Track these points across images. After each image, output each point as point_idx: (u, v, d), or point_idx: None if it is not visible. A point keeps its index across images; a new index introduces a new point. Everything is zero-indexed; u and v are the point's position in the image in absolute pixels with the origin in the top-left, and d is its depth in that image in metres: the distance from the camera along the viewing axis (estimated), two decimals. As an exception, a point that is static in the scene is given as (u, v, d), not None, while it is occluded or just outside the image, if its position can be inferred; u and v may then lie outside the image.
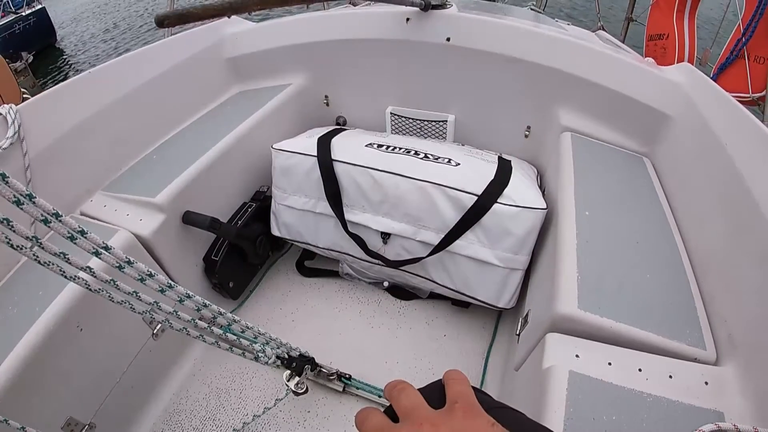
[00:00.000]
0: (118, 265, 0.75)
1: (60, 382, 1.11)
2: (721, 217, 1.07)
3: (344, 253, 1.61)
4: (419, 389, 0.47)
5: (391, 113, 1.87)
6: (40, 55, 10.68)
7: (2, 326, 1.06)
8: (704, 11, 3.87)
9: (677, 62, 1.55)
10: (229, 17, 1.09)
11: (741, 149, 1.07)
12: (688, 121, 1.33)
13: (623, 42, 3.12)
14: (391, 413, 0.44)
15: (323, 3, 3.14)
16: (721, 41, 3.45)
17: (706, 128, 1.21)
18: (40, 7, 11.00)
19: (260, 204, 1.70)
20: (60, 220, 0.65)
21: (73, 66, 10.54)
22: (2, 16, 10.46)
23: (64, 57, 11.36)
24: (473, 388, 0.48)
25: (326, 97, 1.99)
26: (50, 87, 1.45)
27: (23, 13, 10.55)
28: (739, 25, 3.20)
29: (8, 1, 10.78)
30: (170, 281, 0.86)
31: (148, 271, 0.80)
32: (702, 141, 1.23)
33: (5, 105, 1.29)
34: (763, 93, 3.09)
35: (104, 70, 1.53)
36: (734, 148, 1.09)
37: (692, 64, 1.51)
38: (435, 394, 0.46)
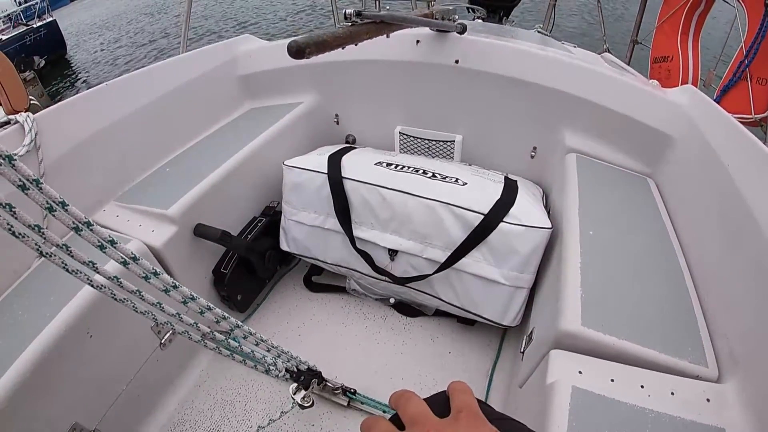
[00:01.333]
0: (144, 275, 0.77)
1: (67, 387, 1.12)
2: (721, 236, 1.08)
3: (352, 269, 1.63)
4: (424, 399, 0.49)
5: (400, 133, 1.90)
6: (49, 64, 10.81)
7: (13, 330, 1.08)
8: (707, 34, 3.91)
9: (681, 84, 1.58)
10: (343, 48, 1.14)
11: (742, 170, 1.09)
12: (690, 142, 1.35)
13: (628, 64, 3.15)
14: (396, 421, 0.45)
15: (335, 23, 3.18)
16: (724, 63, 3.48)
17: (708, 149, 1.23)
18: (51, 19, 11.17)
19: (270, 219, 1.73)
20: (91, 229, 0.67)
21: (81, 77, 10.68)
22: (14, 27, 10.63)
23: (73, 68, 11.50)
24: (477, 399, 0.50)
25: (336, 115, 2.02)
26: (59, 96, 1.48)
27: (34, 25, 10.72)
28: (742, 47, 3.24)
29: (20, 13, 10.96)
30: (192, 293, 0.89)
31: (173, 282, 0.82)
32: (704, 162, 1.24)
33: (23, 113, 1.33)
34: (766, 114, 3.12)
35: (120, 83, 1.57)
36: (736, 169, 1.10)
37: (696, 86, 1.53)
38: (440, 403, 0.48)
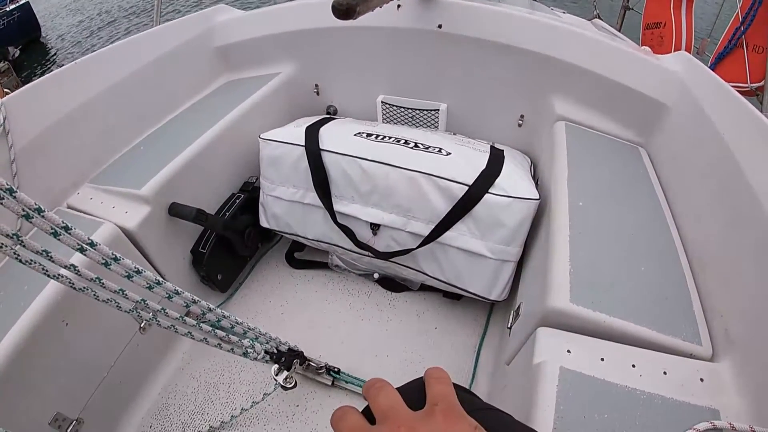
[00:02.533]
0: (104, 261, 0.73)
1: (47, 377, 1.09)
2: (718, 209, 1.05)
3: (333, 245, 1.59)
4: (398, 388, 0.45)
5: (382, 102, 1.83)
6: (25, 50, 10.57)
7: None
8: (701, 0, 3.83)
9: (674, 51, 1.52)
10: (381, 7, 1.09)
11: (739, 140, 1.05)
12: (685, 110, 1.31)
13: (619, 30, 3.08)
14: (368, 413, 0.42)
15: None
16: (719, 31, 3.41)
17: (704, 118, 1.18)
18: (24, 1, 10.87)
19: (248, 195, 1.67)
20: (43, 216, 0.63)
21: (58, 60, 10.45)
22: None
23: (49, 51, 11.26)
24: (458, 386, 0.46)
25: (316, 86, 1.95)
26: None
27: (7, 8, 10.42)
28: (738, 13, 3.17)
29: (-8, -3, 10.66)
30: (158, 277, 0.84)
31: (135, 267, 0.78)
32: (699, 131, 1.20)
33: None
34: (762, 83, 3.07)
35: (91, 61, 1.50)
36: (732, 139, 1.06)
37: (689, 53, 1.48)
38: (415, 393, 0.44)
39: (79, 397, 1.21)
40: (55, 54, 10.99)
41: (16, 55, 9.59)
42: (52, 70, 1.47)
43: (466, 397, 0.45)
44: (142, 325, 1.32)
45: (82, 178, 1.44)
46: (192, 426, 1.38)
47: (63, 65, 1.49)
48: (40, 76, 1.42)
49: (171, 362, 1.53)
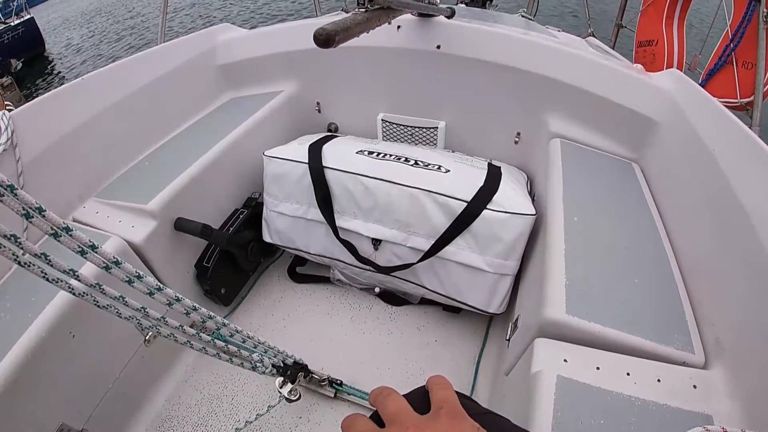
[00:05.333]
0: (105, 265, 0.72)
1: (52, 388, 1.10)
2: (708, 222, 1.08)
3: (335, 259, 1.62)
4: (404, 395, 0.48)
5: (382, 120, 1.88)
6: (28, 64, 10.59)
7: None
8: (692, 18, 3.89)
9: (666, 68, 1.57)
10: (358, 36, 1.14)
11: (728, 155, 1.08)
12: (675, 127, 1.35)
13: (613, 48, 3.14)
14: (377, 419, 0.45)
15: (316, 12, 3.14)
16: (709, 47, 3.47)
17: (694, 134, 1.22)
18: (29, 17, 10.94)
19: (252, 210, 1.71)
20: (43, 215, 0.61)
21: (61, 75, 10.47)
22: (-8, 26, 10.38)
23: (53, 66, 11.29)
24: (459, 393, 0.49)
25: (318, 103, 1.99)
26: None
27: (12, 23, 10.47)
28: (728, 31, 3.23)
29: (-2, 12, 10.73)
30: (177, 294, 0.84)
31: (136, 272, 0.77)
32: (690, 147, 1.24)
33: None
34: (751, 98, 3.12)
35: (97, 77, 1.54)
36: (721, 154, 1.10)
37: (681, 70, 1.52)
38: (419, 399, 0.47)
39: (84, 408, 1.22)
40: (58, 69, 11.02)
41: (19, 68, 9.62)
42: (54, 84, 1.50)
43: (466, 402, 0.48)
44: (146, 338, 1.36)
45: (88, 192, 1.47)
46: None
47: (65, 79, 1.52)
48: (42, 90, 1.45)
49: (175, 374, 1.54)
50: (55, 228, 0.63)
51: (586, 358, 0.91)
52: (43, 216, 0.62)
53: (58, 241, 0.65)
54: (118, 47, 11.55)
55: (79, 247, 0.67)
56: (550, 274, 1.06)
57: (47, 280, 0.67)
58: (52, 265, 0.65)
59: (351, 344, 1.62)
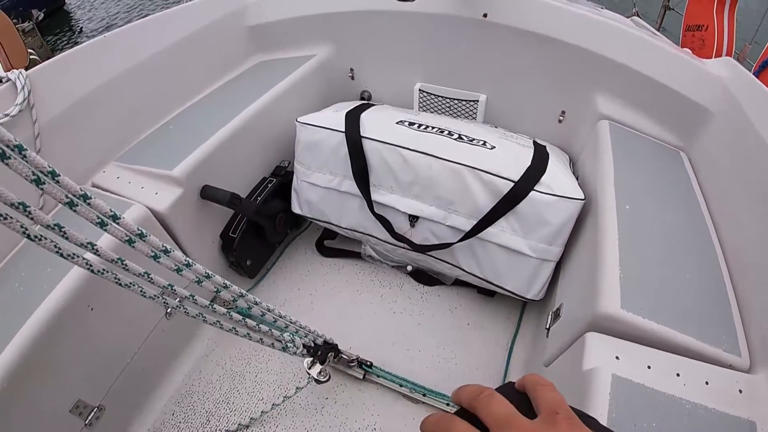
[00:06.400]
0: (128, 238, 0.65)
1: (68, 363, 1.06)
2: (759, 219, 1.03)
3: (368, 235, 1.55)
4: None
5: (420, 90, 1.78)
6: (49, 15, 10.48)
7: (8, 305, 1.01)
8: (743, 5, 3.69)
9: (715, 55, 1.48)
10: None
11: None
12: (729, 117, 1.27)
13: (658, 30, 3.00)
14: (468, 418, 0.38)
15: None
16: (762, 37, 3.30)
17: (749, 126, 1.15)
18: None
19: (281, 180, 1.64)
20: (57, 181, 0.54)
21: (82, 29, 10.36)
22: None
23: (73, 19, 11.17)
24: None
25: (351, 70, 1.90)
26: (58, 49, 1.37)
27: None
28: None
29: (16, -37, 10.55)
30: (208, 271, 0.79)
31: (163, 246, 0.70)
32: (744, 139, 1.17)
33: (15, 70, 1.22)
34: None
35: (120, 35, 1.46)
36: None
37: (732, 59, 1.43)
38: (517, 399, 0.40)
39: (101, 383, 1.19)
40: (78, 23, 10.89)
41: (40, 18, 9.51)
42: (75, 39, 1.42)
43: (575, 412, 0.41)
44: (168, 311, 1.30)
45: (108, 156, 1.40)
46: (217, 414, 1.36)
47: (86, 35, 1.44)
48: (64, 43, 1.37)
49: (196, 348, 1.50)
50: (71, 196, 0.56)
51: (637, 355, 0.88)
52: (57, 182, 0.54)
53: (74, 210, 0.58)
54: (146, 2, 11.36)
55: (99, 217, 0.60)
56: (604, 264, 1.01)
57: (61, 255, 0.59)
58: (67, 238, 0.58)
59: (380, 324, 1.56)
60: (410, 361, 1.45)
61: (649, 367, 0.85)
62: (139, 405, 1.34)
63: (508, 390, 0.44)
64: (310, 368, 1.20)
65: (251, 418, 1.32)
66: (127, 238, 0.66)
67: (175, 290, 0.78)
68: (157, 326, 1.33)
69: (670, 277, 1.00)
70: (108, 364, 1.21)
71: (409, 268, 1.66)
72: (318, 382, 1.20)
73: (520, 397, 0.41)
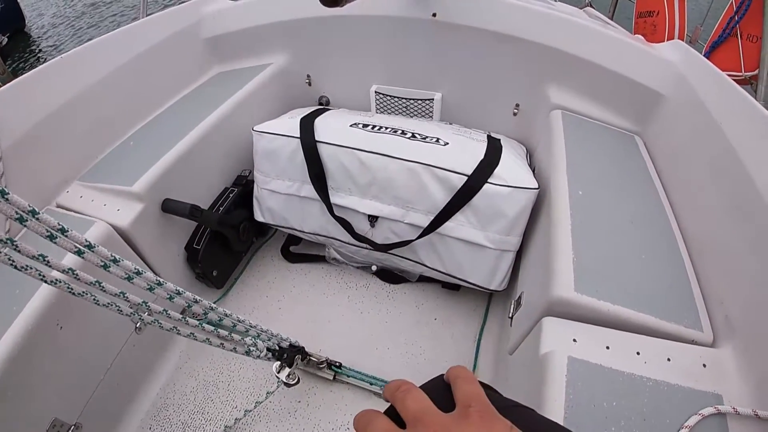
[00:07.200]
0: (103, 264, 0.69)
1: (42, 383, 1.06)
2: (715, 198, 1.05)
3: (331, 238, 1.57)
4: (421, 386, 0.43)
5: (375, 92, 1.80)
6: (10, 40, 10.28)
7: None
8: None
9: (667, 40, 1.52)
10: None
11: (737, 129, 1.04)
12: (681, 99, 1.31)
13: (611, 19, 3.06)
14: (393, 415, 0.40)
15: None
16: (711, 19, 3.39)
17: (701, 107, 1.18)
18: (8, -10, 10.56)
19: (242, 189, 1.64)
20: (37, 218, 0.58)
21: (43, 50, 10.20)
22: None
23: (34, 42, 10.98)
24: (482, 384, 0.44)
25: (308, 76, 1.92)
26: (22, 72, 1.37)
27: (-10, -3, 10.12)
28: (732, 3, 3.16)
29: (-24, -13, 10.34)
30: (159, 278, 0.81)
31: (135, 268, 0.74)
32: (696, 120, 1.20)
33: None
34: (756, 72, 3.05)
35: (77, 55, 1.45)
36: (730, 128, 1.06)
37: (684, 42, 1.47)
38: (439, 393, 0.42)
39: (77, 401, 1.18)
40: (39, 44, 10.72)
41: (4, 43, 9.34)
42: (38, 60, 1.41)
43: (491, 394, 0.43)
44: (137, 326, 1.30)
45: (72, 175, 1.40)
46: (192, 425, 1.36)
47: (48, 56, 1.44)
48: (26, 66, 1.37)
49: (169, 361, 1.50)
50: (50, 230, 0.60)
51: (595, 337, 0.89)
52: (37, 219, 0.58)
53: (24, 225, 0.59)
54: (99, 19, 11.22)
55: (48, 231, 0.63)
56: (557, 250, 1.03)
57: (15, 267, 0.62)
58: (19, 251, 0.61)
59: (349, 325, 1.58)
60: (380, 360, 1.46)
61: (607, 348, 0.86)
62: (115, 421, 1.34)
63: (436, 383, 0.45)
64: (278, 372, 1.22)
65: (225, 426, 1.32)
66: (76, 250, 0.67)
67: (128, 298, 0.79)
68: (128, 341, 1.32)
69: (625, 259, 1.02)
70: (82, 381, 1.20)
71: (374, 268, 1.68)
72: (287, 385, 1.21)
73: (446, 389, 0.43)
